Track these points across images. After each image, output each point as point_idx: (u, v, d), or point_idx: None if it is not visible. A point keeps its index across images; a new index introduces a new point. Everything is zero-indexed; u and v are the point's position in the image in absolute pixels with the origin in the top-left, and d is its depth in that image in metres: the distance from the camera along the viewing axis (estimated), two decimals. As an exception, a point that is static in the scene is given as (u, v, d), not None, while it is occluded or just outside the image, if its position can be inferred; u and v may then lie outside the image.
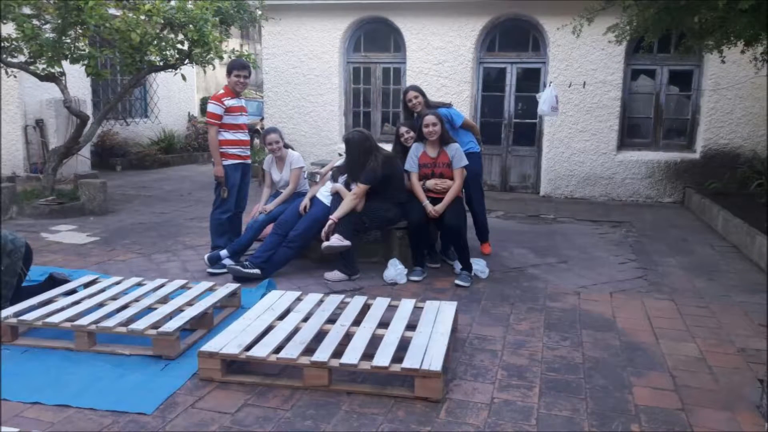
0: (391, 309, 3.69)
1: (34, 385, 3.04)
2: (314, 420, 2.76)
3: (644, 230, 6.86)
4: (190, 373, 3.16)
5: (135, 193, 9.05)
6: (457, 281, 4.77)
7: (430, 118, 4.88)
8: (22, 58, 7.44)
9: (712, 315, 4.18)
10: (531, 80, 9.09)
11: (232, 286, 4.14)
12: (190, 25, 7.23)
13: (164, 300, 3.89)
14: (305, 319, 3.53)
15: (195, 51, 7.70)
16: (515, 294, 4.59)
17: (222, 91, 5.10)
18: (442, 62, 9.16)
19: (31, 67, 7.39)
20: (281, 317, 3.57)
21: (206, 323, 3.73)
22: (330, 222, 4.76)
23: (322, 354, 3.05)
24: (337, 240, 4.69)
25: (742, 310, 4.27)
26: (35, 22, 6.96)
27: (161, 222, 7.01)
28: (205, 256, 5.12)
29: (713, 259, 5.65)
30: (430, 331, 3.32)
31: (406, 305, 3.73)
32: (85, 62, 7.14)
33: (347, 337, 3.28)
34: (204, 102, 14.34)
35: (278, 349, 3.13)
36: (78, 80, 9.74)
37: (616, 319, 4.07)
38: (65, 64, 7.25)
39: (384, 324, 3.45)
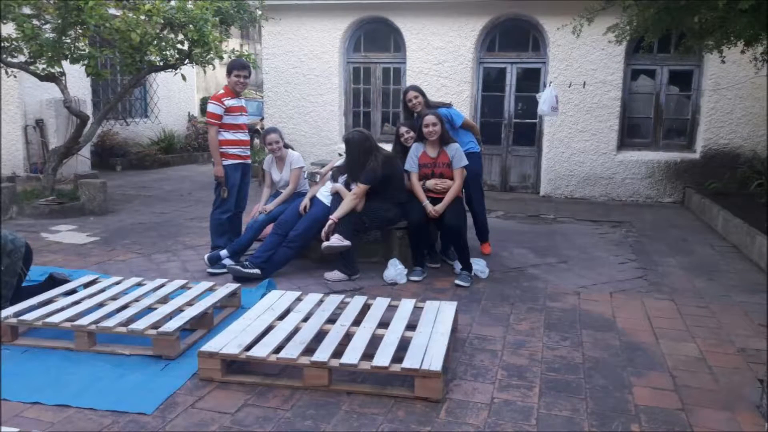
0: (391, 309, 3.69)
1: (34, 385, 3.04)
2: (314, 420, 2.76)
3: (644, 230, 6.86)
4: (190, 373, 3.17)
5: (135, 193, 9.05)
6: (457, 281, 4.77)
7: (430, 118, 4.88)
8: (22, 58, 7.44)
9: (712, 315, 4.18)
10: (531, 80, 9.09)
11: (232, 286, 4.14)
12: (190, 25, 7.23)
13: (164, 300, 3.89)
14: (305, 319, 3.53)
15: (195, 51, 7.70)
16: (515, 294, 4.59)
17: (222, 91, 5.11)
18: (442, 62, 9.16)
19: (31, 67, 7.39)
20: (281, 317, 3.57)
21: (206, 323, 3.73)
22: (330, 222, 4.76)
23: (322, 354, 3.05)
24: (337, 240, 4.68)
25: (742, 310, 4.27)
26: (35, 22, 6.96)
27: (161, 222, 7.01)
28: (205, 256, 5.12)
29: (713, 259, 5.65)
30: (430, 331, 3.32)
31: (406, 305, 3.73)
32: (85, 62, 7.15)
33: (347, 337, 3.28)
34: (204, 102, 14.34)
35: (278, 349, 3.13)
36: (78, 80, 9.74)
37: (616, 319, 4.07)
38: (65, 64, 7.25)
39: (384, 324, 3.45)
